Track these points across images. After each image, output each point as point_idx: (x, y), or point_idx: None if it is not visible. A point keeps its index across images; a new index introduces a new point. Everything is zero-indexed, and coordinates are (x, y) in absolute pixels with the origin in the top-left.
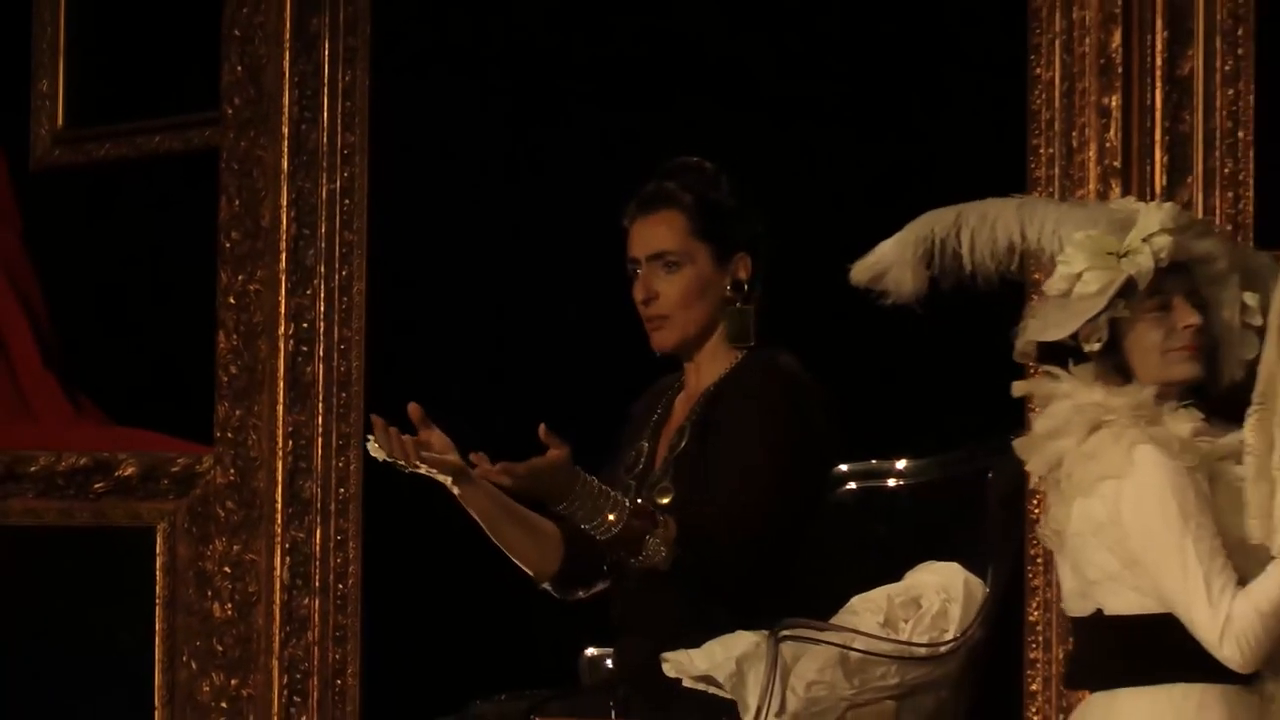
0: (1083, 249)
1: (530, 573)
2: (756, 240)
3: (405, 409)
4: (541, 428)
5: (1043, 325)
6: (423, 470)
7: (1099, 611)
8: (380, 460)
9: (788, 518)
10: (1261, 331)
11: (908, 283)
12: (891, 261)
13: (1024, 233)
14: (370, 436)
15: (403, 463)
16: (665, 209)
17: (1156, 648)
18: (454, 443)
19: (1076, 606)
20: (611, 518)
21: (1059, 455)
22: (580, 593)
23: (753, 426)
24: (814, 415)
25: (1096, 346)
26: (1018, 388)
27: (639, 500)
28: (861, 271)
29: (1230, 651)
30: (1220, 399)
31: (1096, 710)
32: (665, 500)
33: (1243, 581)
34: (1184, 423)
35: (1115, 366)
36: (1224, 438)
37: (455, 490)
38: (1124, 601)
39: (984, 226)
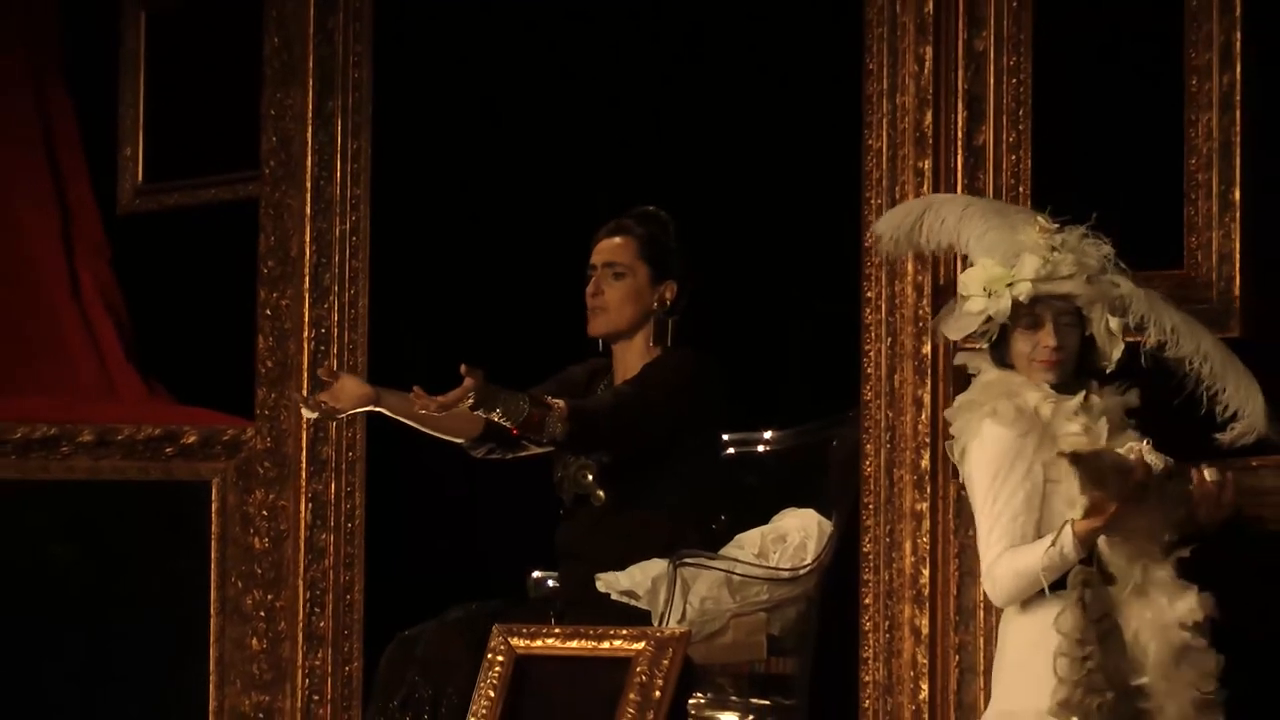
0: (974, 277)
1: (459, 440)
2: (685, 275)
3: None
4: (462, 366)
5: (945, 323)
6: (348, 413)
7: None
8: (313, 418)
9: (666, 435)
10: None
11: (892, 250)
12: (882, 233)
13: (959, 239)
14: (302, 408)
15: (328, 416)
16: (624, 235)
17: None
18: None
19: None
20: (518, 407)
21: (969, 422)
22: (480, 453)
23: (655, 373)
24: (712, 387)
25: (985, 345)
26: (959, 358)
27: (535, 396)
28: (871, 235)
29: (987, 588)
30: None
31: (1005, 617)
32: (591, 474)
33: None
34: (1033, 393)
35: (1001, 359)
36: (1066, 402)
37: (381, 408)
38: None
39: (936, 223)
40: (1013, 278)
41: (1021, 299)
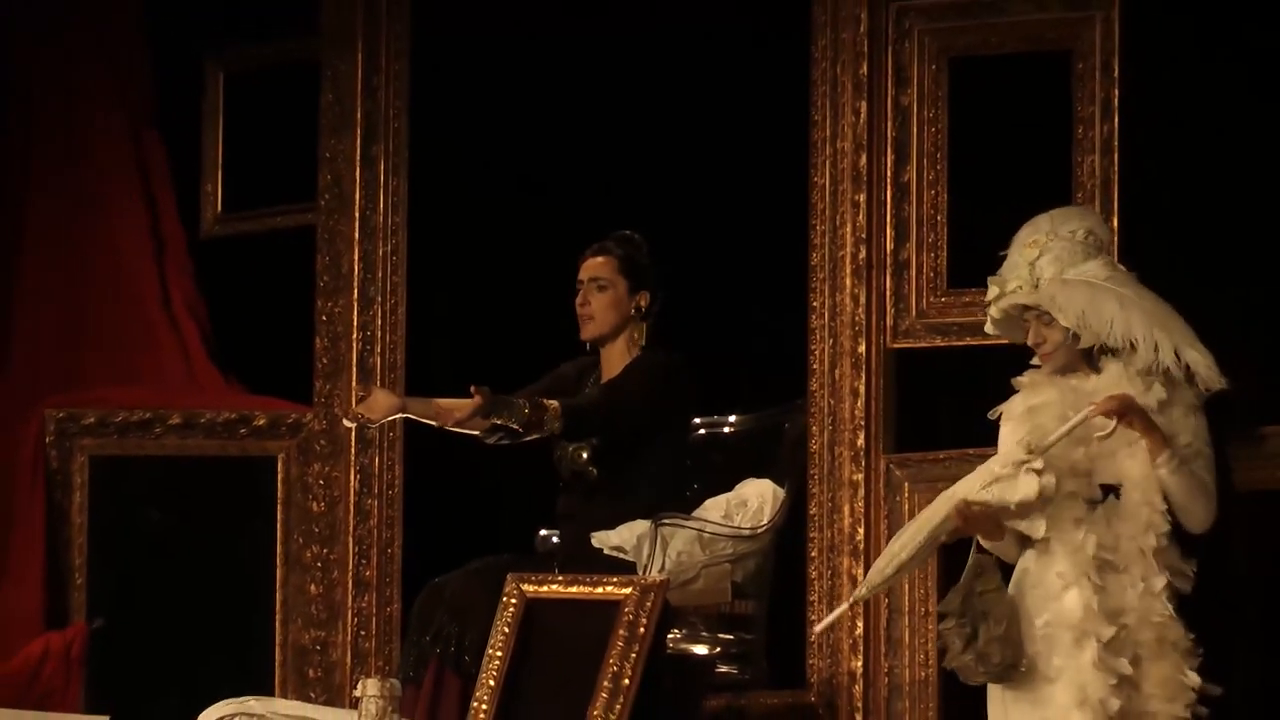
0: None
1: (474, 433)
2: (656, 286)
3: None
4: (471, 387)
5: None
6: (380, 421)
7: None
8: (353, 428)
9: (645, 423)
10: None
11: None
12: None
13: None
14: (344, 420)
15: (365, 425)
16: (605, 254)
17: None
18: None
19: None
20: (520, 412)
21: None
22: (492, 441)
23: (635, 373)
24: (681, 383)
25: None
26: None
27: (533, 399)
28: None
29: None
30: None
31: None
32: (586, 453)
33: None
34: (1033, 378)
35: None
36: (1038, 380)
37: (408, 414)
38: None
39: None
40: (988, 300)
41: (996, 318)
